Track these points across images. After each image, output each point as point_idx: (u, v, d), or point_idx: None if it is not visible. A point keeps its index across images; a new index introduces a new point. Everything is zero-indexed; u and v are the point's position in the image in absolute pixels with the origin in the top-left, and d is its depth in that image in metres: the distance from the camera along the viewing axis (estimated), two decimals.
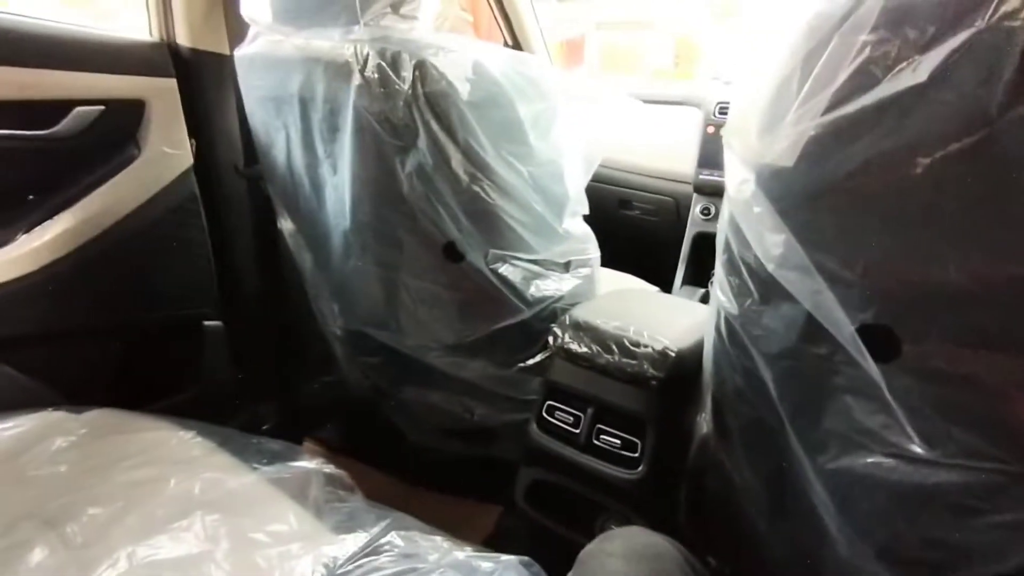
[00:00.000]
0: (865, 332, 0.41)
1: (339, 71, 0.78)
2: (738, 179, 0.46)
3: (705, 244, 1.46)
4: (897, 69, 0.35)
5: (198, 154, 1.06)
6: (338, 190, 0.88)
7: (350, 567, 0.60)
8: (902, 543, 0.50)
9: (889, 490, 0.47)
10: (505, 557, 0.61)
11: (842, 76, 0.37)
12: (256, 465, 0.74)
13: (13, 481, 0.68)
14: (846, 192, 0.39)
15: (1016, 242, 0.34)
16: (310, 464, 0.76)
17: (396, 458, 1.24)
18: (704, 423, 0.76)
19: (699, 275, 1.49)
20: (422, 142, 0.75)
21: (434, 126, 0.74)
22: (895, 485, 0.46)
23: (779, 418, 0.56)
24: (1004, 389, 0.37)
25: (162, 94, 1.01)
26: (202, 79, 1.04)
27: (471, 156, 0.75)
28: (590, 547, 0.54)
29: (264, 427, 1.26)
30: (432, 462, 1.22)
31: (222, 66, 1.04)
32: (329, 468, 0.77)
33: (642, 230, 1.60)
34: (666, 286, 1.44)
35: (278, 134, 0.94)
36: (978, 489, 0.40)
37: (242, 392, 1.22)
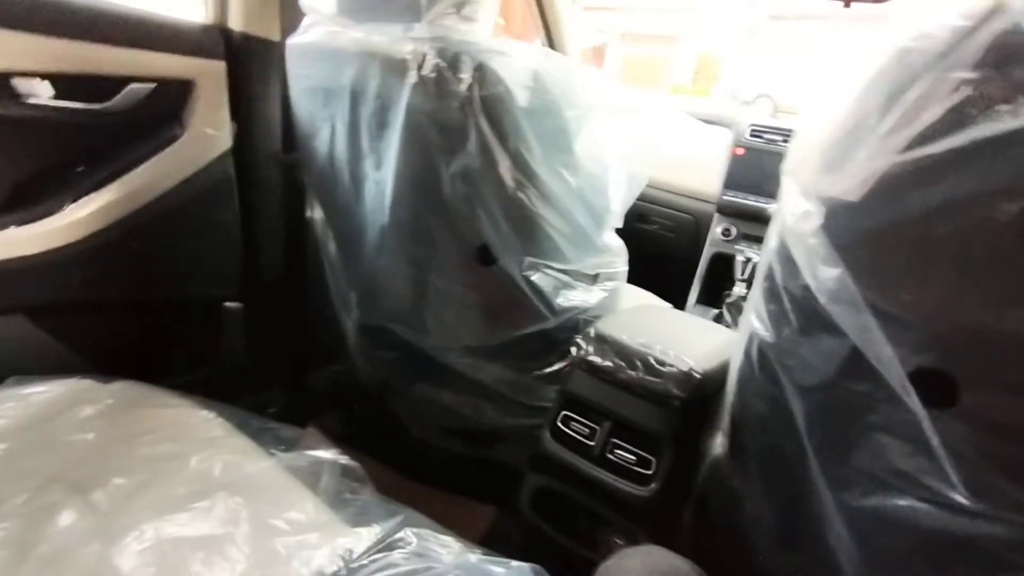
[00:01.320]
0: (919, 376, 0.40)
1: (395, 67, 0.78)
2: (797, 209, 0.45)
3: (722, 265, 1.44)
4: (997, 110, 0.33)
5: (238, 137, 1.06)
6: (379, 185, 0.87)
7: (365, 561, 0.59)
8: None
9: (919, 535, 0.46)
10: (516, 564, 0.61)
11: (931, 114, 0.35)
12: (273, 451, 0.73)
13: (44, 445, 0.67)
14: (917, 233, 0.38)
15: None
16: (325, 454, 0.76)
17: (394, 451, 1.23)
18: (717, 445, 0.75)
19: (713, 295, 1.48)
20: (472, 145, 0.74)
21: (486, 130, 0.73)
22: (927, 532, 0.45)
23: (802, 449, 0.55)
24: None
25: (210, 76, 1.00)
26: (250, 64, 1.04)
27: (519, 162, 0.75)
28: (609, 563, 0.52)
29: (270, 410, 1.25)
30: (430, 458, 1.21)
31: (271, 52, 1.03)
32: (344, 459, 0.76)
33: (658, 245, 1.58)
34: (677, 303, 1.42)
35: (323, 124, 0.93)
36: (1021, 544, 0.39)
37: (254, 374, 1.21)
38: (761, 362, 0.58)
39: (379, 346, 1.10)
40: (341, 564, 0.58)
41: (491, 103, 0.72)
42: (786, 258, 0.49)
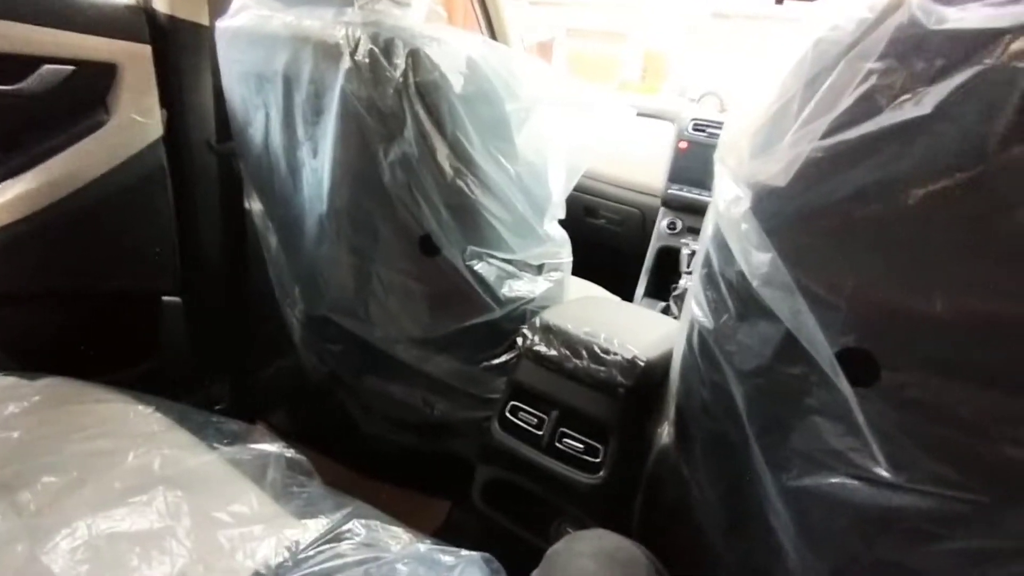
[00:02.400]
0: (845, 356, 0.40)
1: (328, 52, 0.75)
2: (729, 196, 0.45)
3: (668, 258, 1.46)
4: (902, 99, 0.34)
5: (169, 125, 1.00)
6: (316, 173, 0.84)
7: (312, 552, 0.58)
8: (857, 564, 0.49)
9: (850, 511, 0.46)
10: (466, 552, 0.60)
11: (845, 102, 0.36)
12: (216, 444, 0.71)
13: None
14: (838, 216, 0.38)
15: (1000, 280, 0.34)
16: (270, 447, 0.74)
17: (346, 446, 1.21)
18: (664, 434, 0.76)
19: (660, 288, 1.49)
20: (409, 132, 0.72)
21: (423, 116, 0.71)
22: (857, 507, 0.45)
23: (744, 434, 0.56)
24: (978, 421, 0.37)
25: (135, 60, 0.94)
26: (178, 48, 0.98)
27: (458, 150, 0.73)
28: (558, 546, 0.52)
29: (217, 407, 1.21)
30: (383, 453, 1.19)
31: (200, 36, 0.98)
32: (289, 452, 0.74)
33: (606, 239, 1.59)
34: (626, 296, 1.44)
35: (257, 112, 0.89)
36: (940, 515, 0.40)
37: (197, 370, 1.16)
38: (702, 349, 0.58)
39: (325, 339, 1.07)
40: (287, 555, 0.57)
41: (426, 89, 0.70)
42: (721, 245, 0.49)
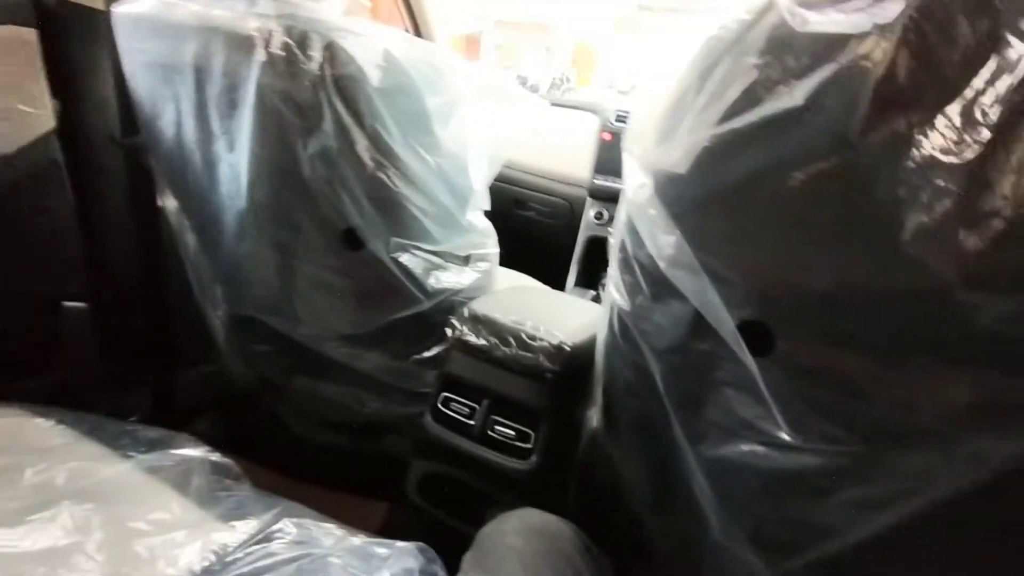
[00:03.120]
0: (744, 329, 0.44)
1: (241, 44, 0.72)
2: (636, 183, 0.48)
3: (597, 248, 1.50)
4: (778, 91, 0.37)
5: (62, 117, 0.93)
6: (234, 168, 0.81)
7: (240, 554, 0.56)
8: (767, 524, 0.54)
9: (759, 476, 0.50)
10: (401, 544, 0.60)
11: (732, 93, 0.39)
12: (132, 453, 0.68)
13: None
14: (731, 200, 0.41)
15: (868, 255, 0.38)
16: (193, 452, 0.71)
17: (278, 452, 1.17)
18: (594, 417, 0.79)
19: (590, 278, 1.54)
20: (327, 125, 0.71)
21: (341, 109, 0.70)
22: (765, 471, 0.49)
23: (664, 410, 0.59)
24: (856, 384, 0.41)
25: (17, 44, 0.86)
26: (69, 34, 0.90)
27: (377, 142, 0.72)
28: (487, 528, 0.53)
29: (134, 417, 1.14)
30: (317, 456, 1.17)
31: (94, 22, 0.91)
32: (215, 456, 0.72)
33: (537, 231, 1.61)
34: (558, 287, 1.47)
35: (166, 104, 0.84)
36: (830, 470, 0.44)
37: (110, 379, 1.08)
38: (622, 331, 0.61)
39: (250, 340, 1.03)
40: (214, 559, 0.55)
41: (344, 82, 0.69)
42: (633, 229, 0.52)
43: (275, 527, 0.60)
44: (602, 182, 1.45)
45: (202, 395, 1.28)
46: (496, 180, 1.53)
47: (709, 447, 0.55)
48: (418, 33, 1.51)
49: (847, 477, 0.45)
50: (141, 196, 1.02)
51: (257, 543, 0.58)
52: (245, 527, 0.60)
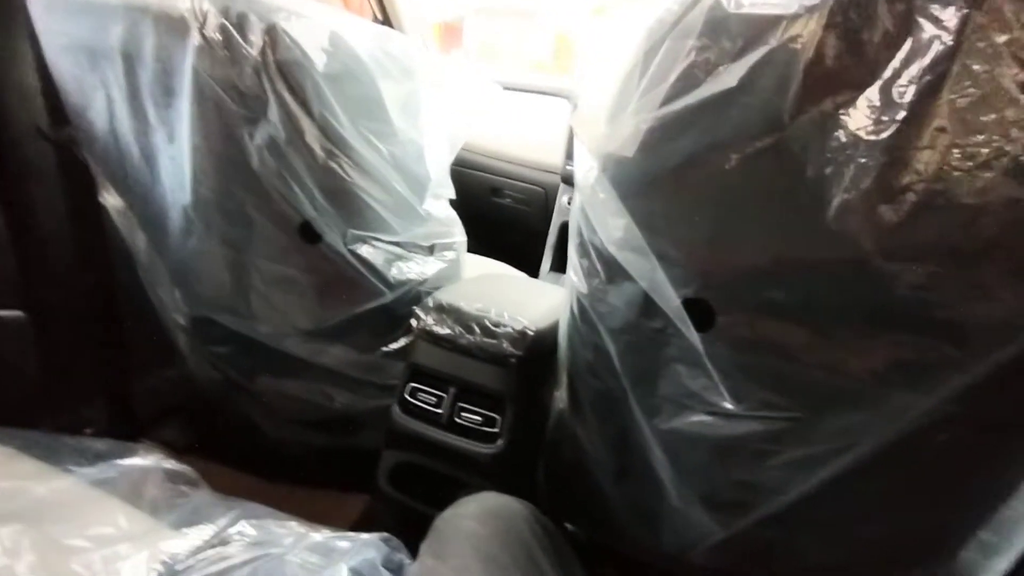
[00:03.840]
0: (688, 305, 0.46)
1: (173, 26, 0.70)
2: (586, 167, 0.49)
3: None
4: (715, 73, 0.39)
5: None
6: (176, 161, 0.79)
7: (192, 561, 0.56)
8: (718, 487, 0.57)
9: (708, 443, 0.54)
10: (365, 536, 0.61)
11: (673, 75, 0.41)
12: (72, 468, 0.66)
13: None
14: (674, 181, 0.43)
15: (802, 231, 0.40)
16: (144, 461, 0.70)
17: (251, 455, 1.16)
18: (560, 399, 0.81)
19: (564, 262, 1.55)
20: (273, 114, 0.70)
21: (287, 97, 0.69)
22: (712, 439, 0.53)
23: (622, 388, 0.62)
24: (791, 352, 0.44)
25: None
26: None
27: (327, 131, 0.72)
28: (445, 513, 0.55)
29: (87, 430, 1.11)
30: (292, 456, 1.16)
31: (7, 3, 0.85)
32: (169, 464, 0.71)
33: (513, 218, 1.63)
34: (534, 273, 1.48)
35: (95, 92, 0.81)
36: (771, 434, 0.48)
37: (56, 393, 1.05)
38: (581, 313, 0.63)
39: (209, 341, 1.01)
40: (162, 569, 0.55)
41: (288, 68, 0.68)
42: (585, 214, 0.54)
43: (232, 530, 0.60)
44: (574, 168, 1.47)
45: (164, 402, 1.25)
46: (472, 169, 1.52)
47: (663, 420, 0.58)
48: (387, 21, 1.48)
49: (786, 440, 0.49)
50: (78, 193, 0.97)
51: (212, 547, 0.58)
52: (199, 533, 0.59)
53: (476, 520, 0.53)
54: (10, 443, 0.68)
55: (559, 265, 1.56)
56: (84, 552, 0.55)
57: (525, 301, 0.86)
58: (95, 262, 1.04)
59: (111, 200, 0.96)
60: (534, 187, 1.58)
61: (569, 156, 1.47)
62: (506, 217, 1.62)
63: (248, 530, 0.61)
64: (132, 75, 0.76)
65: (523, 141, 1.59)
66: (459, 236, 0.98)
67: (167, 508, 0.64)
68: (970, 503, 0.49)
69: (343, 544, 0.60)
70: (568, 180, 1.49)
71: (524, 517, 0.55)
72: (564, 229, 1.53)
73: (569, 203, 1.51)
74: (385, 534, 0.62)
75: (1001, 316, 0.37)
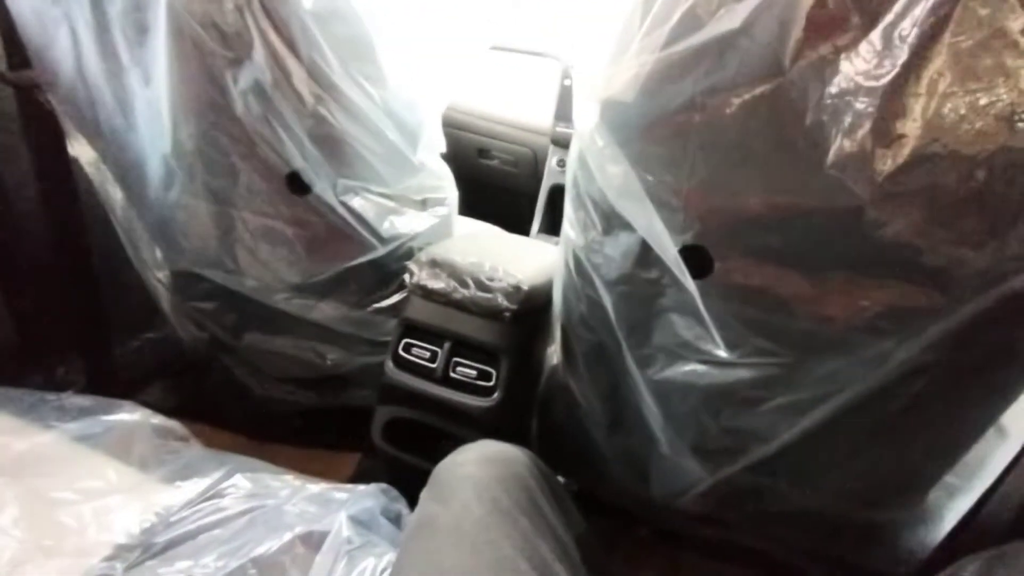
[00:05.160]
0: (685, 253, 0.48)
1: None
2: (585, 115, 0.50)
3: (560, 195, 1.52)
4: (718, 15, 0.40)
5: None
6: (152, 106, 0.77)
7: (187, 512, 0.58)
8: (708, 435, 0.61)
9: (700, 391, 0.57)
10: (362, 487, 0.63)
11: (675, 16, 0.41)
12: (54, 423, 0.67)
13: None
14: (674, 125, 0.44)
15: (800, 177, 0.42)
16: (131, 416, 0.71)
17: (239, 415, 1.17)
18: (554, 355, 0.84)
19: (554, 225, 1.56)
20: (258, 55, 0.68)
21: (272, 37, 0.67)
22: (705, 387, 0.56)
23: (616, 340, 0.64)
24: (784, 299, 0.47)
25: None
26: None
27: (316, 74, 0.71)
28: (444, 461, 0.57)
29: (69, 391, 1.11)
30: (280, 415, 1.17)
31: None
32: (157, 419, 0.72)
33: (501, 180, 1.63)
34: (523, 234, 1.49)
35: (57, 29, 0.77)
36: (762, 381, 0.51)
37: (29, 352, 1.05)
38: (576, 266, 0.65)
39: (193, 297, 1.02)
40: (155, 520, 0.57)
41: (273, 5, 0.66)
42: (583, 164, 0.55)
43: (227, 484, 0.61)
44: (564, 129, 1.46)
45: (149, 363, 1.25)
46: (459, 130, 1.50)
47: (656, 370, 0.61)
48: None
49: (776, 386, 0.52)
50: (45, 143, 0.95)
51: (206, 500, 0.59)
52: (192, 487, 0.61)
53: (476, 465, 0.55)
54: None
55: (549, 227, 1.58)
56: (72, 504, 0.56)
57: (519, 256, 0.88)
58: (65, 217, 1.03)
59: (82, 151, 0.93)
60: (523, 149, 1.58)
61: (559, 118, 1.47)
62: (494, 179, 1.62)
63: (243, 483, 0.62)
64: (100, 10, 0.73)
65: (512, 102, 1.57)
66: (451, 192, 0.98)
67: (157, 463, 0.65)
68: (940, 447, 0.53)
69: (341, 495, 0.62)
70: (558, 142, 1.49)
71: (523, 462, 0.57)
72: (554, 192, 1.54)
73: (558, 165, 1.51)
74: (383, 484, 0.65)
75: (985, 264, 0.39)
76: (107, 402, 0.75)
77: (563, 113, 1.44)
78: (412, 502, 0.67)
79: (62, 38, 0.78)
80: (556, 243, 1.48)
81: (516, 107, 1.57)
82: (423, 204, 0.95)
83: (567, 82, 1.43)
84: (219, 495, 0.61)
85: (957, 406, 0.48)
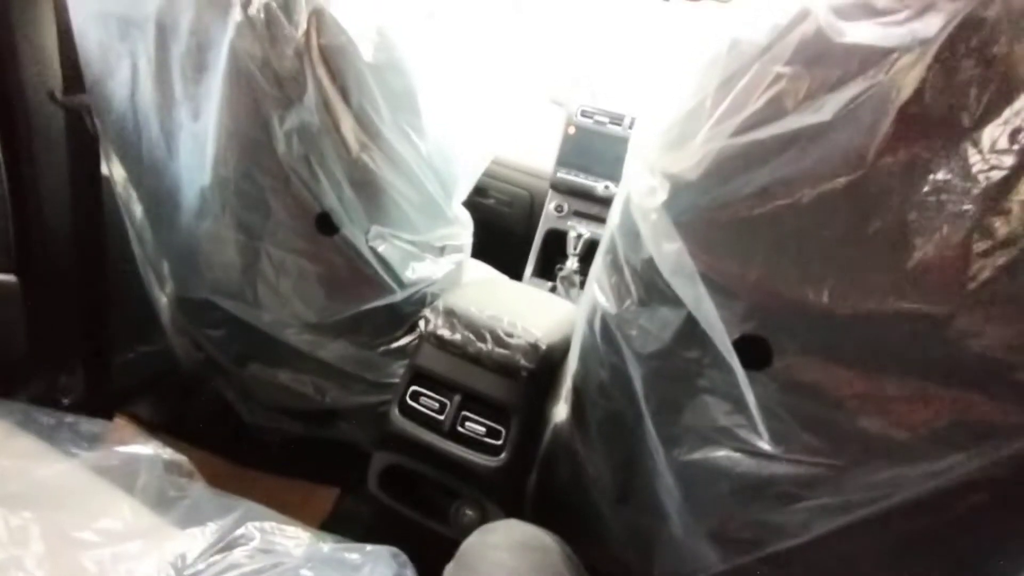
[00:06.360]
0: (742, 341, 0.43)
1: (214, 2, 0.65)
2: (643, 187, 0.46)
3: (555, 240, 1.49)
4: (805, 104, 0.36)
5: None
6: (197, 139, 0.73)
7: (202, 565, 0.52)
8: (730, 524, 0.54)
9: (731, 480, 0.50)
10: (371, 548, 0.57)
11: (756, 103, 0.37)
12: (73, 450, 0.61)
13: None
14: (744, 211, 0.40)
15: (878, 278, 0.37)
16: (142, 449, 0.64)
17: (221, 437, 1.11)
18: (560, 413, 0.77)
19: (547, 269, 1.52)
20: (309, 99, 0.65)
21: (326, 83, 0.64)
22: (738, 476, 0.49)
23: (639, 413, 0.58)
24: (840, 397, 0.41)
25: None
26: None
27: (364, 122, 0.67)
28: (471, 539, 0.50)
29: (65, 401, 1.03)
30: (263, 442, 1.10)
31: None
32: (167, 453, 0.66)
33: (494, 219, 1.58)
34: (513, 275, 1.45)
35: (120, 62, 0.75)
36: (803, 479, 0.45)
37: (38, 359, 0.98)
38: (603, 332, 0.59)
39: (201, 323, 0.96)
40: (172, 573, 0.50)
41: (331, 54, 0.63)
42: (628, 232, 0.50)
43: (237, 532, 0.56)
44: (564, 175, 1.43)
45: (140, 376, 1.19)
46: None
47: (683, 451, 0.54)
48: None
49: (820, 487, 0.46)
50: (82, 162, 0.91)
51: (219, 552, 0.53)
52: (204, 534, 0.55)
53: (509, 552, 0.48)
54: (8, 417, 0.62)
55: (542, 271, 1.53)
56: (94, 547, 0.51)
57: (535, 312, 0.83)
58: (89, 230, 0.98)
59: (115, 171, 0.90)
60: (519, 190, 1.54)
61: (560, 163, 1.44)
62: (487, 217, 1.57)
63: (253, 533, 0.56)
64: (164, 47, 0.71)
65: (513, 143, 1.55)
66: (467, 239, 0.94)
67: (165, 503, 0.60)
68: (987, 566, 0.47)
69: (353, 556, 0.55)
70: (558, 188, 1.46)
71: (558, 552, 0.50)
72: (549, 236, 1.50)
73: (556, 210, 1.47)
74: (393, 548, 0.58)
75: None
76: (108, 426, 0.71)
77: (565, 159, 1.42)
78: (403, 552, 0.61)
79: (123, 70, 0.76)
80: (550, 288, 1.45)
81: (516, 148, 1.54)
82: (442, 251, 0.90)
83: (571, 130, 1.41)
84: (230, 546, 0.54)
85: (1013, 524, 0.42)
